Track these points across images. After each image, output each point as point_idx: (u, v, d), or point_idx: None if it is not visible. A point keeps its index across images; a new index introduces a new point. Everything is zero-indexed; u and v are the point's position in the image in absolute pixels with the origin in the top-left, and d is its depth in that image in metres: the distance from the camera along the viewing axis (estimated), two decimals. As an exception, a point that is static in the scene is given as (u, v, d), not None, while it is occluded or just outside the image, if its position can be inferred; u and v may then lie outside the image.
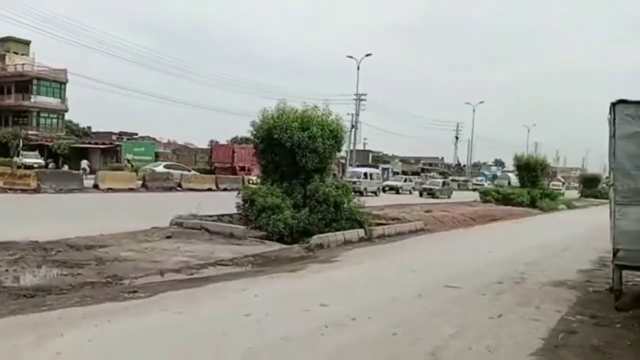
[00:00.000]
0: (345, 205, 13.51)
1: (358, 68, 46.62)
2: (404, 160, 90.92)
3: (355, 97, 53.37)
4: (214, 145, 54.88)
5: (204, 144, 69.92)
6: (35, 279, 7.00)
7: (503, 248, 12.60)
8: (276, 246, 10.85)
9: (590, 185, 56.62)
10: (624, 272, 6.98)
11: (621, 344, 5.23)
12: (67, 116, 56.67)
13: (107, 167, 36.73)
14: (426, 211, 18.63)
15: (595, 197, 50.48)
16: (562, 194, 49.80)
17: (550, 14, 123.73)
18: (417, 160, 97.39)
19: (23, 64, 54.73)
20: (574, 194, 54.33)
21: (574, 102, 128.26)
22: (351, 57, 46.54)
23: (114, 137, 59.17)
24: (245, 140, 68.10)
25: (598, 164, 79.64)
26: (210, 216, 13.39)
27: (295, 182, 13.71)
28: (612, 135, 6.57)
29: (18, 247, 8.81)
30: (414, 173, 79.29)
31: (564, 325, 5.85)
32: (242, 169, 42.55)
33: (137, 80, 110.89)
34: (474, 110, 69.34)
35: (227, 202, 13.92)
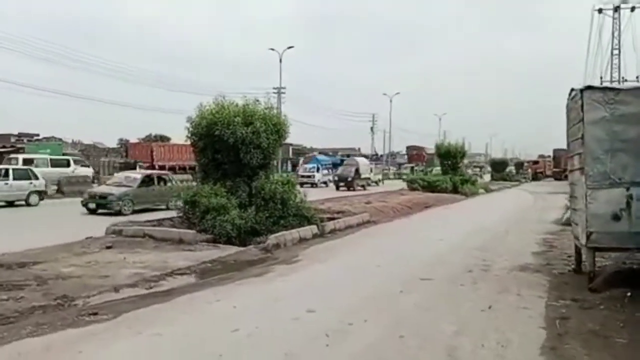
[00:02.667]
0: (291, 202, 13.12)
1: (280, 61, 45.86)
2: (322, 152, 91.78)
3: (275, 90, 52.74)
4: (129, 143, 51.78)
5: (112, 143, 66.02)
6: (-31, 309, 5.94)
7: (448, 235, 12.82)
8: (231, 249, 10.25)
9: (500, 169, 60.52)
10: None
11: (614, 326, 5.35)
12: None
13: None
14: (366, 202, 18.71)
15: (505, 179, 54.15)
16: (482, 178, 52.84)
17: (446, 13, 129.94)
18: (335, 151, 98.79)
19: None
20: (486, 177, 57.67)
21: (475, 91, 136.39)
22: (273, 49, 45.68)
23: (12, 140, 54.21)
24: (161, 137, 65.29)
25: (500, 149, 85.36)
26: (150, 221, 12.46)
27: (239, 180, 13.11)
28: (580, 120, 6.73)
29: None
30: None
31: (553, 312, 5.91)
32: (162, 168, 40.49)
33: (32, 75, 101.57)
34: (390, 101, 71.05)
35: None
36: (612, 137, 6.53)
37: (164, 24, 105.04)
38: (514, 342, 4.89)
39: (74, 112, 76.37)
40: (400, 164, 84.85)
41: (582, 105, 6.65)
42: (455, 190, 30.23)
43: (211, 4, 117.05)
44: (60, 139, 54.10)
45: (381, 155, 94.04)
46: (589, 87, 6.74)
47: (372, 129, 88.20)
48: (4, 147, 43.29)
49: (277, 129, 13.35)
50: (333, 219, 14.12)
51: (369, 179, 39.29)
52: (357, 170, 35.78)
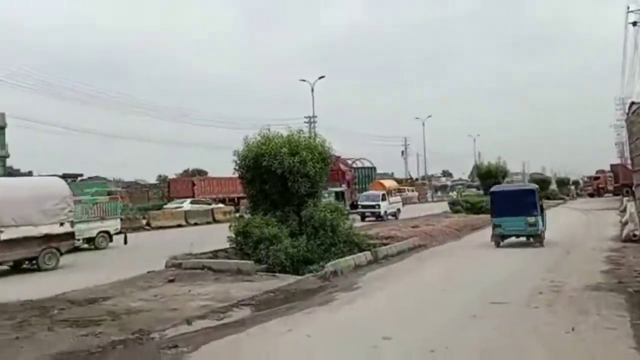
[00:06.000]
0: (341, 229, 13.11)
1: (312, 90, 46.63)
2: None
3: (306, 120, 53.26)
4: (170, 179, 53.00)
5: (151, 179, 67.60)
6: (55, 345, 6.10)
7: (506, 256, 12.52)
8: (289, 279, 10.26)
9: (542, 188, 58.81)
10: None
11: None
12: (7, 162, 53.32)
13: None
14: (413, 227, 18.48)
15: (548, 198, 52.63)
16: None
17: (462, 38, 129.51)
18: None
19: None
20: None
21: (506, 114, 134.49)
22: (304, 80, 46.54)
23: (59, 180, 56.20)
24: (198, 172, 66.70)
25: (538, 168, 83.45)
26: (205, 253, 12.62)
27: (288, 210, 13.19)
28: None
29: (14, 309, 7.85)
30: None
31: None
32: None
33: (63, 115, 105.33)
34: (423, 124, 70.85)
35: (206, 236, 13.21)
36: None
37: (192, 62, 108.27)
38: (611, 365, 4.70)
39: (109, 151, 78.64)
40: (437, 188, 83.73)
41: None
42: (499, 211, 29.55)
43: (234, 41, 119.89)
44: (104, 178, 55.95)
45: (416, 179, 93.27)
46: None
47: (402, 152, 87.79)
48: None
49: (323, 157, 13.46)
50: (383, 244, 14.00)
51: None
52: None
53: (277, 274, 10.63)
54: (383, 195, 29.05)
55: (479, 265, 11.71)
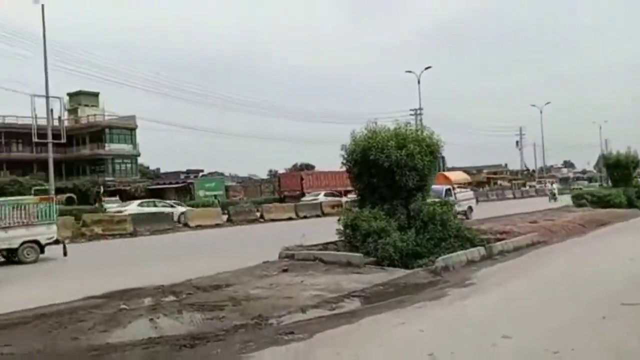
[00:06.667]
0: (451, 223, 12.75)
1: (418, 82, 45.81)
2: (465, 171, 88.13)
3: (412, 112, 52.35)
4: (281, 174, 55.17)
5: (263, 174, 70.86)
6: (184, 326, 6.67)
7: (638, 254, 11.31)
8: (399, 272, 10.20)
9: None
10: None
11: None
12: (139, 160, 59.05)
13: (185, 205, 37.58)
14: (531, 222, 17.41)
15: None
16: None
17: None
18: (479, 169, 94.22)
19: (95, 115, 57.79)
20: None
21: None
22: (410, 71, 45.85)
23: (182, 176, 61.08)
24: (306, 166, 68.60)
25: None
26: (316, 245, 12.98)
27: (396, 203, 13.10)
28: None
29: (147, 293, 8.68)
30: (479, 183, 76.82)
31: None
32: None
33: (189, 117, 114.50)
34: (540, 112, 66.45)
35: (317, 229, 13.47)
36: None
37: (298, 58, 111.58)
38: None
39: (224, 148, 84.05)
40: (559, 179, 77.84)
41: None
42: (630, 204, 26.85)
43: (338, 35, 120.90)
44: (222, 174, 59.75)
45: (533, 171, 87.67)
46: None
47: (516, 142, 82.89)
48: (177, 182, 49.11)
49: (431, 149, 13.18)
50: (498, 240, 13.37)
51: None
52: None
53: (385, 267, 10.63)
54: (447, 190, 23.55)
55: (607, 262, 10.73)
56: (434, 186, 28.42)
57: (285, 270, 10.56)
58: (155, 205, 27.45)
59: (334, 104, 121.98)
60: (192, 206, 30.96)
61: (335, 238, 13.36)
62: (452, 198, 22.34)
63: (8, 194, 37.51)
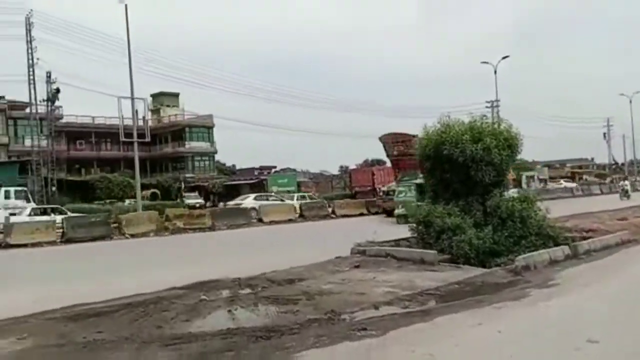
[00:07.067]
0: (532, 220, 12.13)
1: (495, 72, 44.04)
2: (548, 165, 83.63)
3: (488, 104, 50.40)
4: (352, 169, 55.19)
5: (334, 170, 71.14)
6: (260, 319, 6.86)
7: None
8: (475, 271, 9.88)
9: None
10: None
11: None
12: (215, 157, 61.45)
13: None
14: (620, 219, 16.25)
15: None
16: None
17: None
18: (562, 163, 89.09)
19: (176, 115, 60.88)
20: None
21: None
22: (487, 62, 44.18)
23: (255, 172, 62.80)
24: (377, 162, 68.08)
25: None
26: (388, 242, 12.87)
27: (471, 199, 12.65)
28: None
29: (225, 285, 9.02)
30: (563, 177, 72.89)
31: None
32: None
33: (262, 115, 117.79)
34: (630, 101, 61.69)
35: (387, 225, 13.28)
36: None
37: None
38: None
39: (296, 144, 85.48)
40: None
41: None
42: None
43: (416, 29, 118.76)
44: (294, 170, 60.80)
45: (622, 164, 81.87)
46: None
47: (604, 134, 77.46)
48: (251, 179, 50.57)
49: (509, 143, 12.60)
50: (584, 238, 12.57)
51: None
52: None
53: (461, 265, 10.33)
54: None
55: None
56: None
57: (357, 266, 10.56)
58: (267, 199, 30.49)
59: (404, 99, 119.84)
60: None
61: (406, 235, 13.19)
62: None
63: (98, 189, 40.59)
